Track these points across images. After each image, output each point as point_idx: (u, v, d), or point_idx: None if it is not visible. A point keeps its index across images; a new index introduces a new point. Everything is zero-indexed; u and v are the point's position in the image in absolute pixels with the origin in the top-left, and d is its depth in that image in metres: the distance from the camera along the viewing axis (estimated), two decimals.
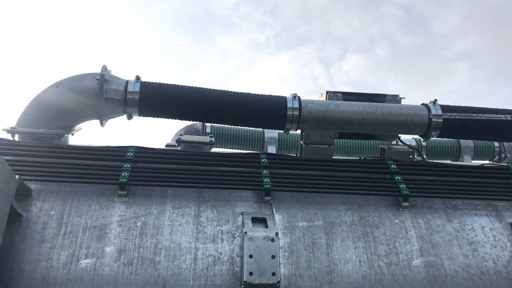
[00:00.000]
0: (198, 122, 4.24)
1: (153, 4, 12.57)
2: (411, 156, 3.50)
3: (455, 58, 13.18)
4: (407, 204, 2.88)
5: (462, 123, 3.40)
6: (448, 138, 3.52)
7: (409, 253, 2.67)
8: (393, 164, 3.17)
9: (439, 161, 3.79)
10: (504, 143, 4.59)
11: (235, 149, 4.50)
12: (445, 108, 3.42)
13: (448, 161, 4.58)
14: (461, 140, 4.60)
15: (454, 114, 3.42)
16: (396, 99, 3.59)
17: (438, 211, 2.91)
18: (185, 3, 13.04)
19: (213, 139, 3.43)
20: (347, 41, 13.58)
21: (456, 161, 4.56)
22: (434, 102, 3.44)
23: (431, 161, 3.79)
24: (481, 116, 3.45)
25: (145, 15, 12.52)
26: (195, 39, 13.37)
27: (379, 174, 3.12)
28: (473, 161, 4.61)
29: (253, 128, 4.43)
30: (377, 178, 3.07)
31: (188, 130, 4.29)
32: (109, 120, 3.31)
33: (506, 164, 3.38)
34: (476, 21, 12.91)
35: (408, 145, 3.63)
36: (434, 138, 4.79)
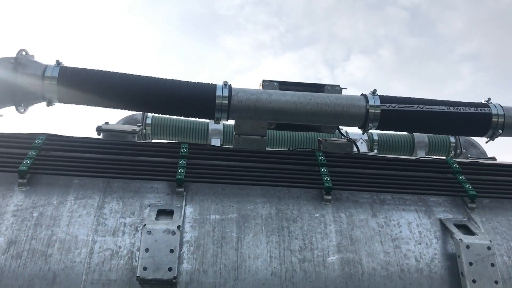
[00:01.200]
0: (137, 112, 4.08)
1: (157, 4, 12.51)
2: (348, 149, 3.34)
3: (459, 60, 13.06)
4: (329, 197, 2.72)
5: (401, 114, 3.24)
6: (388, 130, 3.36)
7: (326, 249, 2.51)
8: (322, 156, 3.01)
9: (376, 155, 3.61)
10: (461, 138, 4.44)
11: (176, 140, 4.34)
12: (384, 99, 3.26)
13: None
14: (415, 135, 4.44)
15: (393, 105, 3.25)
16: (335, 89, 3.43)
17: (364, 205, 2.76)
18: (190, 3, 13.00)
19: (138, 128, 3.26)
20: (351, 43, 13.51)
21: (411, 156, 4.40)
22: (374, 92, 3.28)
23: (370, 153, 3.63)
24: (422, 107, 3.29)
25: (150, 15, 12.49)
26: (199, 39, 13.35)
27: (306, 166, 2.96)
28: (428, 157, 4.45)
29: (197, 119, 4.27)
30: (302, 170, 2.91)
31: (128, 121, 4.13)
32: (33, 107, 3.16)
33: (444, 158, 3.22)
34: (480, 24, 12.81)
35: (346, 138, 3.47)
36: (387, 132, 4.66)
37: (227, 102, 3.10)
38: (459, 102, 3.37)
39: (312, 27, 13.37)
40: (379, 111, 3.22)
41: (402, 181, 2.91)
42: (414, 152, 4.37)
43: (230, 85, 3.18)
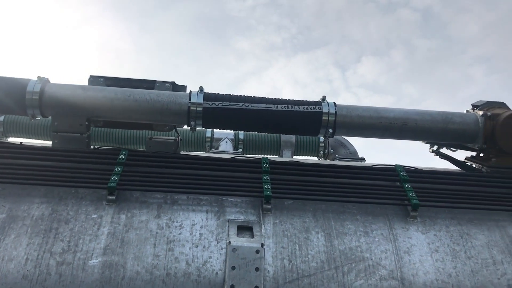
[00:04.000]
0: None
1: (170, 5, 12.52)
2: (173, 148, 3.24)
3: (472, 63, 12.96)
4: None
5: (224, 112, 3.14)
6: (213, 128, 3.27)
7: (90, 251, 2.41)
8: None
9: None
10: (330, 139, 4.33)
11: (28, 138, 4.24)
12: (208, 96, 3.16)
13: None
14: (282, 135, 4.32)
15: (217, 103, 3.15)
16: (165, 85, 3.33)
17: (151, 206, 2.66)
18: (202, 5, 13.02)
19: None
20: (363, 44, 13.44)
21: (277, 155, 4.30)
22: (201, 89, 3.18)
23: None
24: (248, 105, 3.18)
25: (162, 17, 12.49)
26: (211, 40, 13.37)
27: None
28: (295, 157, 4.35)
29: None
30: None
31: None
32: None
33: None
34: (494, 26, 12.70)
35: (175, 137, 3.36)
36: (253, 133, 4.54)
37: (37, 97, 3.00)
38: (290, 100, 3.27)
39: (324, 29, 13.36)
40: (201, 109, 3.12)
41: (199, 180, 2.81)
42: (280, 152, 4.26)
43: (47, 79, 3.08)
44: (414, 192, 2.84)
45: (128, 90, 3.13)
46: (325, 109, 3.21)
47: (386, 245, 2.64)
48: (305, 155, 4.36)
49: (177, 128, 3.43)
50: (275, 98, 3.27)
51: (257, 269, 2.36)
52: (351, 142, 4.38)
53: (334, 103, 3.28)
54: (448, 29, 12.75)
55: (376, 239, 2.66)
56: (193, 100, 3.12)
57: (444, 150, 3.65)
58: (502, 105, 3.51)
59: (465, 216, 2.84)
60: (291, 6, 13.10)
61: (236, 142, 4.25)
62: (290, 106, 3.23)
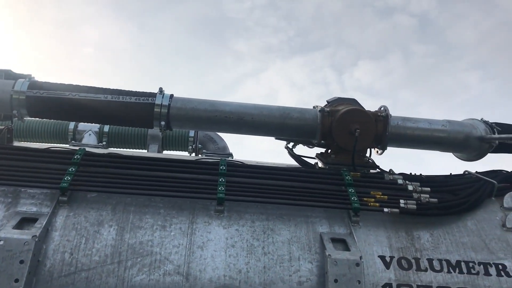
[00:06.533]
0: None
1: (169, 6, 12.40)
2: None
3: (467, 68, 13.03)
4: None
5: (49, 101, 3.05)
6: (40, 117, 3.18)
7: None
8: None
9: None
10: (200, 132, 4.25)
11: None
12: (34, 85, 3.07)
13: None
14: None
15: (41, 92, 3.06)
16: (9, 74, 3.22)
17: None
18: (200, 6, 12.92)
19: None
20: (360, 48, 13.44)
21: (143, 149, 4.21)
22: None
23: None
24: (75, 94, 3.10)
25: (161, 17, 12.37)
26: (209, 41, 13.29)
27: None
28: (165, 152, 4.27)
29: None
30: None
31: None
32: None
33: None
34: (490, 33, 12.78)
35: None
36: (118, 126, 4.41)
37: None
38: (124, 91, 3.19)
39: (321, 32, 13.36)
40: (24, 97, 3.03)
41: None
42: (147, 146, 4.17)
43: None
44: (224, 186, 2.78)
45: None
46: (158, 101, 3.14)
47: (181, 239, 2.58)
48: (173, 150, 4.28)
49: None
50: (109, 88, 3.19)
51: (21, 261, 2.28)
52: (222, 137, 4.32)
53: (172, 95, 3.21)
54: (444, 35, 12.88)
55: (172, 233, 2.60)
56: (17, 88, 3.03)
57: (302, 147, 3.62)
58: (352, 101, 3.47)
59: (276, 212, 2.80)
60: (289, 9, 13.13)
61: (100, 135, 4.15)
62: (121, 97, 3.16)
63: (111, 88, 3.18)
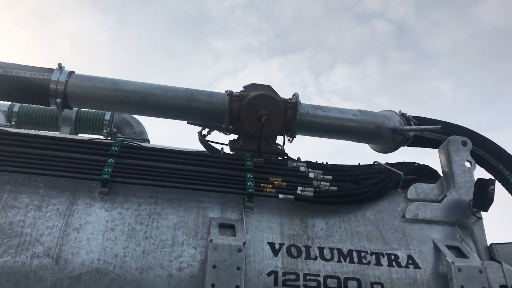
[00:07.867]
0: None
1: (148, 1, 12.01)
2: None
3: (441, 76, 13.17)
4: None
5: None
6: None
7: None
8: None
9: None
10: (117, 116, 4.07)
11: None
12: None
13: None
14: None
15: None
16: None
17: None
18: (180, 3, 12.60)
19: None
20: (338, 52, 13.39)
21: (56, 131, 4.03)
22: None
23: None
24: None
25: (140, 12, 11.97)
26: (188, 39, 13.00)
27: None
28: (81, 135, 4.09)
29: None
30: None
31: None
32: None
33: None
34: (464, 42, 12.98)
35: None
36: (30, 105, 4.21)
37: None
38: (19, 65, 3.01)
39: (300, 34, 13.30)
40: None
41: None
42: (59, 128, 3.98)
43: None
44: (112, 167, 2.64)
45: None
46: (54, 77, 2.97)
47: (56, 221, 2.42)
48: (87, 133, 4.10)
49: None
50: (3, 62, 3.00)
51: None
52: (140, 122, 4.16)
53: (72, 72, 3.05)
54: (420, 43, 13.11)
55: (48, 214, 2.44)
56: None
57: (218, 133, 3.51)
58: (267, 88, 3.38)
59: (167, 196, 2.68)
60: (270, 10, 13.07)
61: (9, 114, 3.93)
62: (15, 71, 2.97)
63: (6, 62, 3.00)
